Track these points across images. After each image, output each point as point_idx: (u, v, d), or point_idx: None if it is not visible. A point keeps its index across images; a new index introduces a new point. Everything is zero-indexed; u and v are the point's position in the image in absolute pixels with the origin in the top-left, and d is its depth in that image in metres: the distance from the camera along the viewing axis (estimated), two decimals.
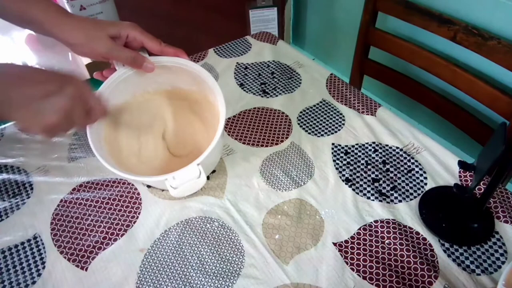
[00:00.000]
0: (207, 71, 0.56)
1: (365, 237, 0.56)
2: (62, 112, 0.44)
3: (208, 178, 0.64)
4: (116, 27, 0.54)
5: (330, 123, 0.73)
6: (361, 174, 0.64)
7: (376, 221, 0.57)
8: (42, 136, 0.46)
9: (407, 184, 0.62)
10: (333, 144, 0.69)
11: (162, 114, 0.66)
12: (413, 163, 0.65)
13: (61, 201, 0.62)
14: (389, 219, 0.58)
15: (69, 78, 0.46)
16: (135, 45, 0.57)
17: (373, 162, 0.66)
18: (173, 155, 0.65)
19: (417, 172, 0.64)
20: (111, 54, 0.54)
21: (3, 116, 0.43)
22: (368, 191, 0.62)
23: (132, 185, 0.64)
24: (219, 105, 0.55)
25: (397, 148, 0.68)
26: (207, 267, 0.53)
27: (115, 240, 0.57)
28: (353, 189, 0.62)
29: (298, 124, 0.74)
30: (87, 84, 0.48)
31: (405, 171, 0.64)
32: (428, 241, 0.55)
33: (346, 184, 0.63)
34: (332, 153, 0.68)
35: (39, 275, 0.53)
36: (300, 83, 0.83)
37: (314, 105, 0.77)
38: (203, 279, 0.52)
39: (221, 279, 0.52)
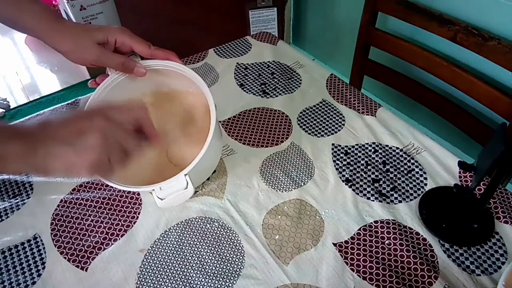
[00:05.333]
0: (197, 75, 0.55)
1: (365, 237, 0.56)
2: (98, 144, 0.42)
3: (208, 178, 0.64)
4: (104, 33, 0.53)
5: (330, 123, 0.73)
6: (361, 175, 0.64)
7: (376, 222, 0.57)
8: (88, 175, 0.43)
9: (407, 185, 0.62)
10: (333, 144, 0.69)
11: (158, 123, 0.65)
12: (413, 164, 0.65)
13: (61, 201, 0.62)
14: (389, 220, 0.58)
15: (97, 110, 0.45)
16: (125, 50, 0.56)
17: (373, 163, 0.66)
18: (171, 163, 0.64)
19: (417, 172, 0.64)
20: (99, 61, 0.54)
21: (47, 171, 0.41)
22: (368, 192, 0.62)
23: None
24: (210, 111, 0.53)
25: (397, 148, 0.68)
26: (207, 267, 0.53)
27: (115, 240, 0.57)
28: (353, 190, 0.62)
29: (298, 124, 0.74)
30: (121, 110, 0.46)
31: (405, 171, 0.64)
32: (428, 242, 0.55)
33: (346, 184, 0.63)
34: (332, 153, 0.68)
35: (39, 275, 0.53)
36: (300, 83, 0.83)
37: (314, 106, 0.77)
38: (203, 279, 0.52)
39: (221, 279, 0.52)
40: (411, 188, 0.62)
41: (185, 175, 0.50)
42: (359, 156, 0.67)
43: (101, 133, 0.42)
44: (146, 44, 0.55)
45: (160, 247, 0.56)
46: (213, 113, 0.52)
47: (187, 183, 0.50)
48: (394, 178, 0.64)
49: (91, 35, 0.53)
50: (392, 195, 0.61)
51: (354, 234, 0.56)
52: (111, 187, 0.63)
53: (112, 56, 0.54)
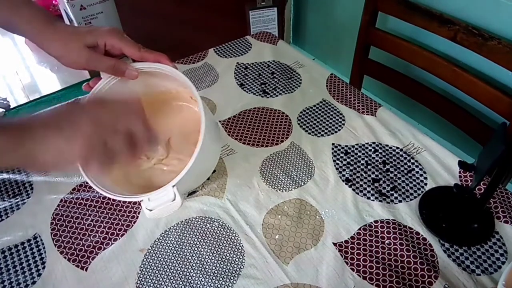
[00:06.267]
0: (187, 79, 0.53)
1: (365, 237, 0.56)
2: (89, 131, 0.42)
3: (208, 178, 0.64)
4: (93, 36, 0.52)
5: (330, 123, 0.73)
6: (361, 174, 0.64)
7: (376, 221, 0.57)
8: (78, 164, 0.44)
9: (407, 184, 0.62)
10: (333, 144, 0.69)
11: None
12: (413, 163, 0.65)
13: (61, 201, 0.62)
14: (389, 219, 0.58)
15: (90, 105, 0.45)
16: (116, 52, 0.55)
17: (373, 162, 0.66)
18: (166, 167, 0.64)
19: (417, 172, 0.64)
20: (90, 64, 0.53)
21: (37, 162, 0.41)
22: (368, 191, 0.62)
23: None
24: (201, 116, 0.52)
25: (397, 148, 0.68)
26: (207, 267, 0.53)
27: (115, 240, 0.57)
28: (353, 189, 0.62)
29: (298, 124, 0.74)
30: (117, 112, 0.46)
31: (405, 171, 0.64)
32: (428, 241, 0.55)
33: (346, 184, 0.63)
34: (332, 153, 0.68)
35: (39, 275, 0.53)
36: (300, 83, 0.83)
37: (314, 105, 0.77)
38: (203, 279, 0.52)
39: (221, 279, 0.52)
40: (411, 188, 0.62)
41: (173, 186, 0.49)
42: (359, 156, 0.67)
43: (93, 122, 0.42)
44: (136, 46, 0.54)
45: (160, 246, 0.56)
46: (203, 117, 0.51)
47: (175, 195, 0.49)
48: (394, 178, 0.63)
49: (80, 38, 0.52)
50: (392, 194, 0.61)
51: (354, 234, 0.56)
52: None
53: (102, 59, 0.53)
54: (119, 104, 0.48)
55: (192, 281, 0.52)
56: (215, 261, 0.54)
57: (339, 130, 0.72)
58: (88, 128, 0.42)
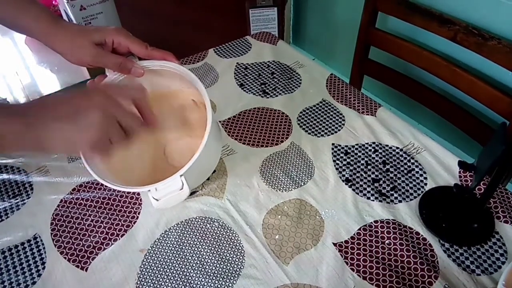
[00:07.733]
0: (194, 75, 0.54)
1: (365, 237, 0.56)
2: (98, 121, 0.43)
3: (208, 178, 0.64)
4: (101, 34, 0.53)
5: (330, 123, 0.73)
6: (361, 174, 0.64)
7: (376, 221, 0.57)
8: (88, 152, 0.46)
9: (407, 184, 0.62)
10: (333, 144, 0.69)
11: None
12: (413, 163, 0.65)
13: (61, 201, 0.62)
14: (389, 219, 0.58)
15: (95, 89, 0.47)
16: (122, 51, 0.55)
17: (373, 162, 0.66)
18: (170, 163, 0.64)
19: (417, 172, 0.64)
20: (96, 61, 0.54)
21: (47, 149, 0.43)
22: (368, 191, 0.62)
23: None
24: (207, 112, 0.53)
25: (397, 148, 0.68)
26: (207, 267, 0.53)
27: (115, 240, 0.57)
28: (353, 189, 0.62)
29: (298, 124, 0.74)
30: (120, 89, 0.49)
31: (405, 171, 0.64)
32: (428, 241, 0.55)
33: (346, 184, 0.63)
34: (332, 153, 0.68)
35: (39, 275, 0.53)
36: (300, 83, 0.83)
37: (314, 105, 0.77)
38: (203, 279, 0.52)
39: (221, 279, 0.52)
40: (411, 188, 0.62)
41: (181, 176, 0.50)
42: (359, 156, 0.67)
43: (101, 110, 0.43)
44: (143, 44, 0.55)
45: (160, 247, 0.56)
46: (209, 114, 0.52)
47: (183, 184, 0.50)
48: (394, 178, 0.63)
49: (88, 35, 0.53)
50: (392, 195, 0.61)
51: (354, 234, 0.56)
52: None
53: (109, 57, 0.54)
54: (122, 85, 0.50)
55: (192, 281, 0.52)
56: (215, 261, 0.54)
57: (339, 130, 0.72)
58: (96, 118, 0.43)
